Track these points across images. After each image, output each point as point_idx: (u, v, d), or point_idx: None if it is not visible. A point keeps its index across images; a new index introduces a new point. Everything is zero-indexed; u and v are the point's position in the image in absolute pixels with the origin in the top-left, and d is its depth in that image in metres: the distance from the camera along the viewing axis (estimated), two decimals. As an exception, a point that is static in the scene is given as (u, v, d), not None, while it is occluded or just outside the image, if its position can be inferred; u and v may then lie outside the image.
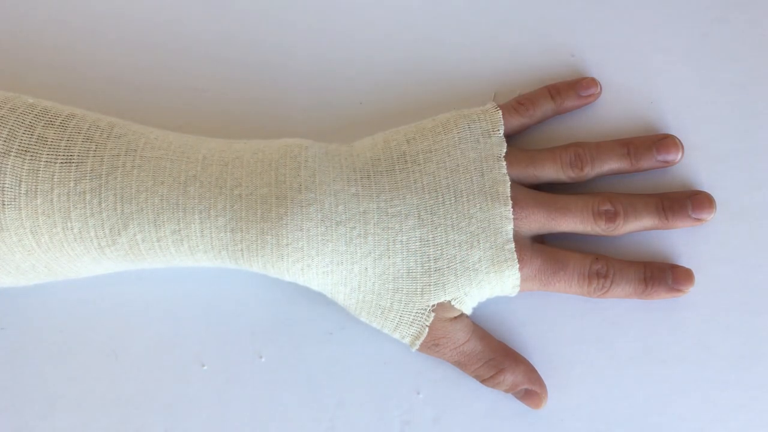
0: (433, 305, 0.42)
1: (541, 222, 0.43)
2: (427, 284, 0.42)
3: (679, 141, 0.45)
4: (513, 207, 0.42)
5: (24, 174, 0.39)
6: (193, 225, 0.40)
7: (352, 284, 0.42)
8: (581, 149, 0.44)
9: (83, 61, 0.48)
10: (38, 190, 0.40)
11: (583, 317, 0.45)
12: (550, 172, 0.44)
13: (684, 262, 0.45)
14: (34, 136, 0.40)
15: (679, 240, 0.45)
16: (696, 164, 0.46)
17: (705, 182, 0.45)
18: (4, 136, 0.40)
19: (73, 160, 0.40)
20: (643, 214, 0.43)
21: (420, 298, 0.42)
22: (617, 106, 0.46)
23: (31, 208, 0.40)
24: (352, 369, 0.45)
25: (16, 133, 0.40)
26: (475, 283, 0.42)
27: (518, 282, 0.43)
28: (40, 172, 0.40)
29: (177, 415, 0.45)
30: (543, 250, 0.43)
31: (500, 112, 0.44)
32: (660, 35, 0.47)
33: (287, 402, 0.45)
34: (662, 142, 0.44)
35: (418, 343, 0.43)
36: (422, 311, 0.42)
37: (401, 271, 0.42)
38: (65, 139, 0.40)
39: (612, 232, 0.43)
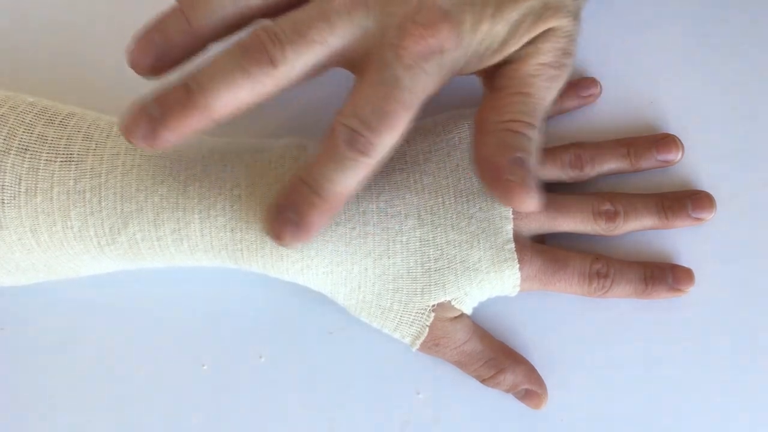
0: (433, 305, 0.42)
1: (541, 222, 0.43)
2: (427, 284, 0.42)
3: (679, 141, 0.45)
4: (513, 207, 0.42)
5: (24, 172, 0.39)
6: (192, 224, 0.40)
7: (352, 284, 0.42)
8: (581, 149, 0.44)
9: (83, 61, 0.48)
10: (38, 188, 0.40)
11: (583, 317, 0.45)
12: (550, 172, 0.44)
13: (684, 262, 0.45)
14: (34, 135, 0.40)
15: (679, 240, 0.45)
16: (696, 164, 0.45)
17: (705, 182, 0.45)
18: (3, 134, 0.40)
19: (72, 159, 0.40)
20: (643, 213, 0.43)
21: (420, 298, 0.42)
22: (617, 106, 0.46)
23: (31, 207, 0.40)
24: (352, 369, 0.45)
25: (16, 131, 0.40)
26: (476, 283, 0.42)
27: (518, 282, 0.42)
28: (40, 170, 0.40)
29: (177, 415, 0.45)
30: (543, 250, 0.43)
31: (500, 112, 0.44)
32: (660, 35, 0.47)
33: (287, 402, 0.45)
34: (662, 142, 0.44)
35: (419, 343, 0.43)
36: (422, 311, 0.42)
37: (401, 272, 0.42)
38: (65, 137, 0.40)
39: (612, 232, 0.43)
